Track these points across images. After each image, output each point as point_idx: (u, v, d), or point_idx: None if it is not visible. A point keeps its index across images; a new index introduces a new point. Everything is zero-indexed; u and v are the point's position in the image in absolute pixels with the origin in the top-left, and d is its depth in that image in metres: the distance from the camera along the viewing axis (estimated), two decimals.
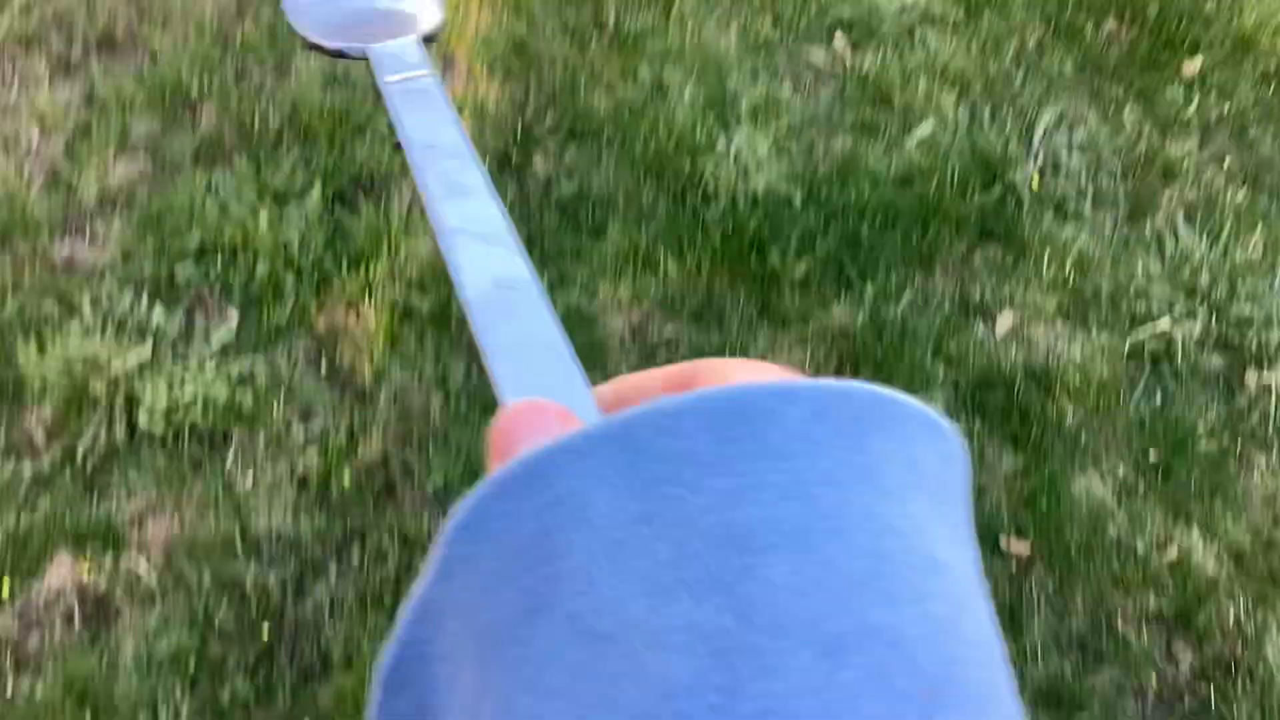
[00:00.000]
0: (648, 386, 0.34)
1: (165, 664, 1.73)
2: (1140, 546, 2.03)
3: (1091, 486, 2.10)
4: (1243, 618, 1.97)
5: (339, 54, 0.60)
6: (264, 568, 1.83)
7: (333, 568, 1.85)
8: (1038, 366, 2.25)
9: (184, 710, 1.69)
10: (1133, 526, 2.06)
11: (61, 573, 1.81)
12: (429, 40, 0.63)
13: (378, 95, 0.55)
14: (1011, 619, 1.91)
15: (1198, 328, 2.36)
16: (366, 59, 0.58)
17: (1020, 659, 1.87)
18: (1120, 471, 2.13)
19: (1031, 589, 1.95)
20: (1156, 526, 2.06)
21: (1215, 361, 2.31)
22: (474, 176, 0.48)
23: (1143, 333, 2.34)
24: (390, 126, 0.56)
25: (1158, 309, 2.38)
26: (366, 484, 1.93)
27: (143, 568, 1.81)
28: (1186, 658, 1.92)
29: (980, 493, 2.05)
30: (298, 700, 1.71)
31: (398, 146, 0.53)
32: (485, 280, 0.42)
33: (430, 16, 0.62)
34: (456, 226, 0.45)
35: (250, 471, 1.94)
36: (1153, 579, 1.99)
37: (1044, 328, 2.33)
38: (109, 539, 1.83)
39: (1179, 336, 2.33)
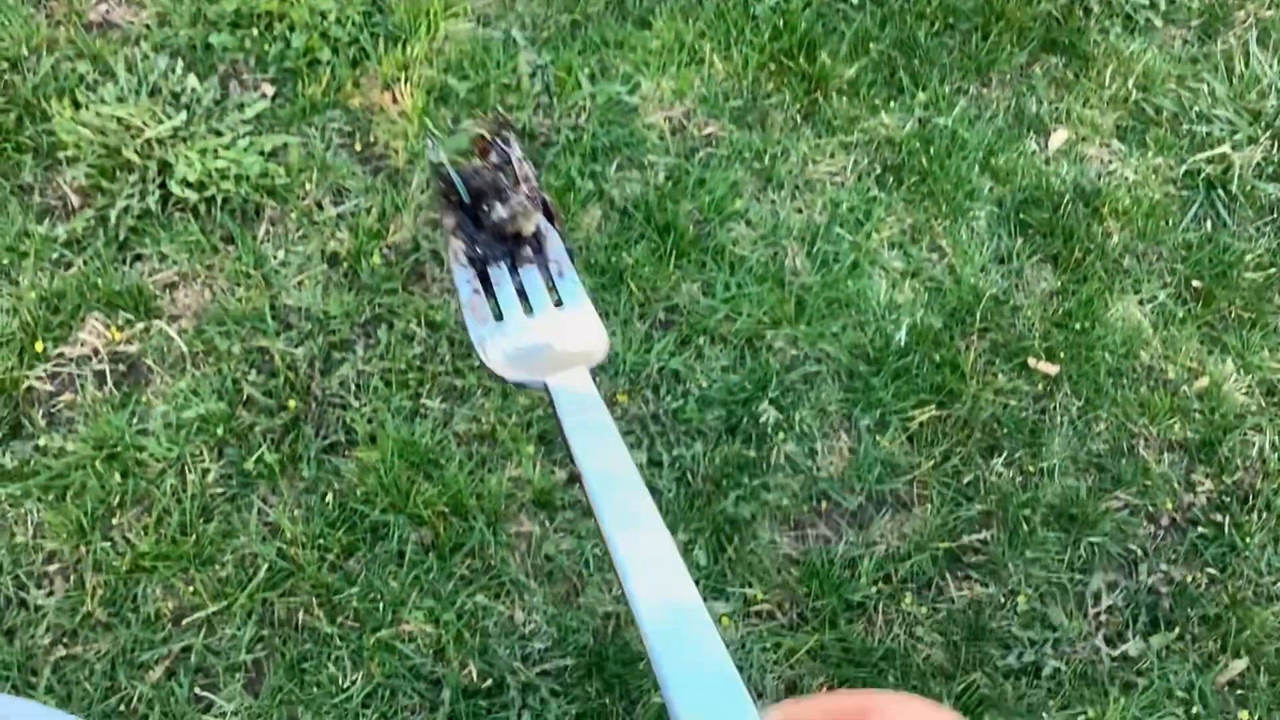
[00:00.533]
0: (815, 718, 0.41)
1: (193, 429, 1.76)
2: (1171, 373, 2.01)
3: (1129, 311, 2.07)
4: (1267, 450, 1.95)
5: (520, 385, 0.69)
6: (292, 342, 1.85)
7: (360, 346, 1.86)
8: (1088, 186, 2.19)
9: (211, 474, 1.74)
10: (1166, 353, 2.03)
11: (93, 335, 1.83)
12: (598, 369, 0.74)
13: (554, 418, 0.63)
14: (1032, 436, 1.91)
15: (1258, 154, 2.28)
16: (546, 390, 0.66)
17: (1037, 477, 1.88)
18: (1160, 297, 2.09)
19: (1055, 409, 1.94)
20: (1190, 354, 2.03)
21: (1271, 190, 2.24)
22: (644, 506, 0.55)
23: (1200, 156, 2.26)
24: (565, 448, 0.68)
25: (1219, 133, 2.29)
26: (396, 265, 1.93)
27: (174, 333, 1.84)
28: (1205, 486, 1.92)
29: (1014, 311, 2.02)
30: (322, 470, 1.75)
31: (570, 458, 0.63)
32: (660, 609, 0.49)
33: (599, 349, 0.71)
34: (631, 556, 0.52)
35: (281, 246, 1.94)
36: (1180, 407, 1.97)
37: (1098, 146, 2.26)
38: (140, 304, 1.85)
39: (1237, 162, 2.25)
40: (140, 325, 1.85)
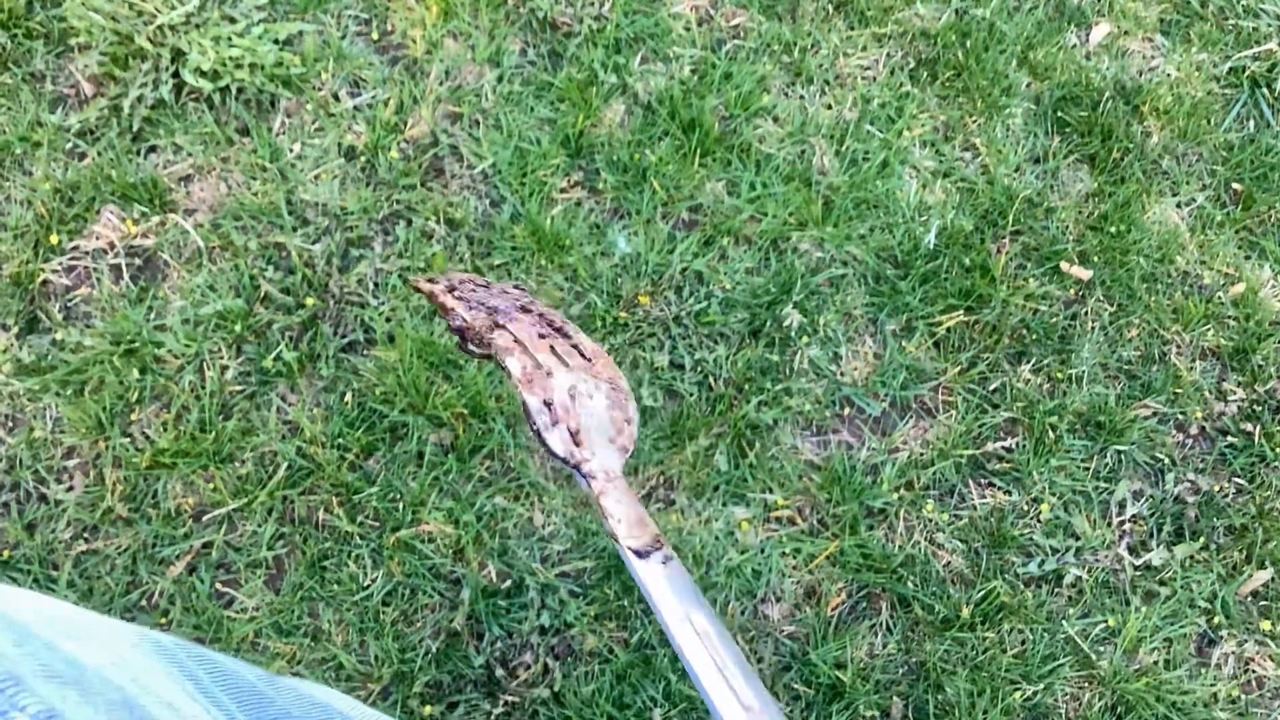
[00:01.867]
0: None
1: (211, 325, 1.75)
2: (1207, 279, 1.96)
3: (1166, 214, 2.01)
4: None
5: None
6: (310, 238, 1.82)
7: (378, 243, 1.83)
8: (1128, 83, 2.11)
9: (229, 372, 1.72)
10: (1202, 258, 1.98)
11: (108, 228, 1.80)
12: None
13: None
14: (1062, 343, 1.87)
15: None
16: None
17: (1065, 384, 1.84)
18: (1198, 200, 2.03)
19: (1087, 315, 1.90)
20: (1227, 260, 1.98)
21: None
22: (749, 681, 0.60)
23: (1245, 54, 2.17)
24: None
25: (1266, 28, 2.21)
26: (415, 161, 1.89)
27: (189, 227, 1.81)
28: (1236, 395, 1.88)
29: (1048, 213, 1.97)
30: (340, 369, 1.74)
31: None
32: None
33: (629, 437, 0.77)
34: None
35: (297, 139, 1.89)
36: (1214, 314, 1.93)
37: (1141, 41, 2.18)
38: (155, 197, 1.82)
39: None
40: (156, 219, 1.82)
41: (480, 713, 1.56)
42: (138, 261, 1.80)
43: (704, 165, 1.92)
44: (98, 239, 1.80)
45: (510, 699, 1.57)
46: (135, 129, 1.87)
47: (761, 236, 1.87)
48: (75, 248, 1.79)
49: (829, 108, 2.02)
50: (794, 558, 1.69)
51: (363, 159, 1.89)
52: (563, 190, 1.89)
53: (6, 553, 1.61)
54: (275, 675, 0.67)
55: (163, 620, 1.59)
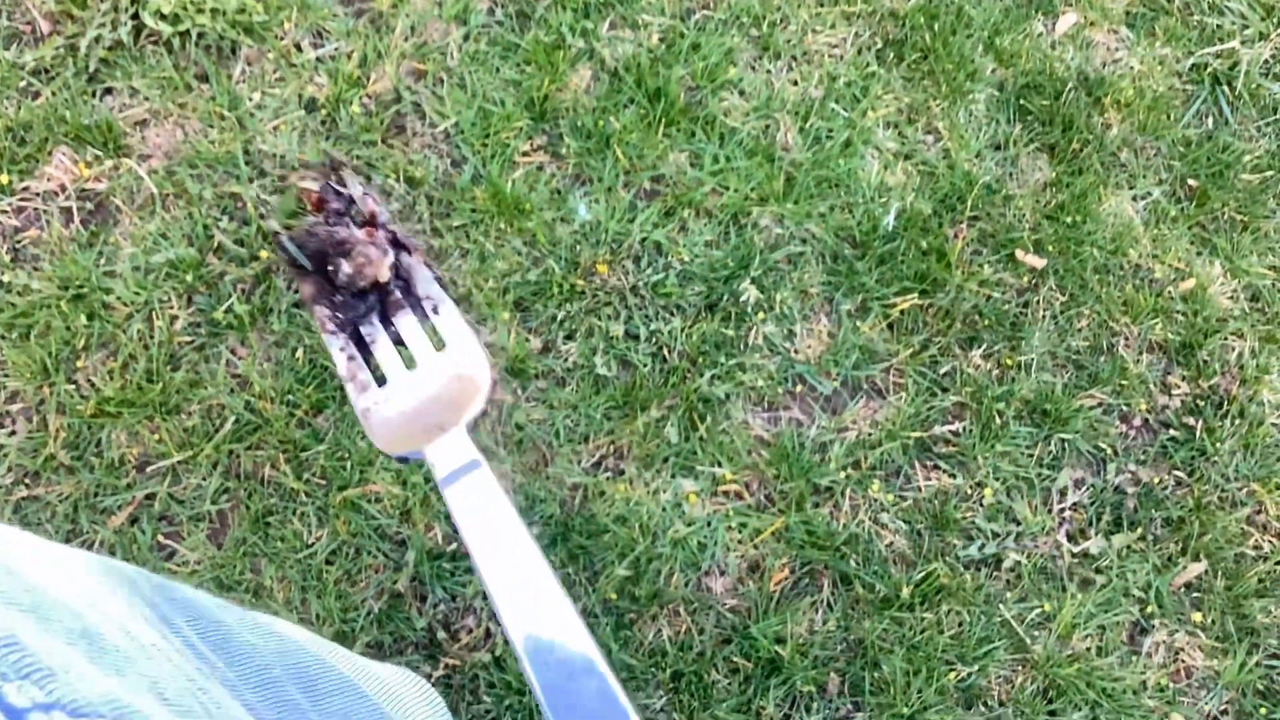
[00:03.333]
0: None
1: (162, 274, 1.72)
2: (1158, 273, 1.99)
3: (1121, 207, 2.03)
4: (1246, 356, 1.95)
5: (403, 460, 0.67)
6: (266, 190, 1.80)
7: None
8: (1092, 74, 2.13)
9: (179, 322, 1.70)
10: (1155, 252, 2.00)
11: (60, 170, 1.77)
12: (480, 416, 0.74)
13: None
14: (1013, 330, 1.89)
15: (1267, 51, 2.22)
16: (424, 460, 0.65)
17: (1014, 370, 1.87)
18: (1154, 194, 2.05)
19: (1039, 303, 1.92)
20: (1179, 255, 2.01)
21: (1276, 90, 2.19)
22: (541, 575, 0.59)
23: (1208, 51, 2.19)
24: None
25: (1230, 25, 2.23)
26: (376, 116, 1.87)
27: (143, 173, 1.78)
28: (1181, 389, 1.91)
29: (1006, 200, 1.98)
30: (293, 325, 1.72)
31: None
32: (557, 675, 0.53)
33: (482, 386, 0.69)
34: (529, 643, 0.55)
35: (257, 88, 1.87)
36: (1163, 308, 1.96)
37: (1106, 32, 2.19)
38: (110, 141, 1.79)
39: (1245, 59, 2.19)
40: (109, 163, 1.79)
41: (420, 674, 1.56)
42: (89, 205, 1.77)
43: (668, 135, 1.91)
44: (49, 180, 1.77)
45: (451, 661, 1.57)
46: (91, 70, 1.83)
47: (722, 210, 1.87)
48: (26, 188, 1.76)
49: (795, 84, 2.01)
50: (739, 532, 1.70)
51: (324, 112, 1.86)
52: (525, 154, 1.88)
53: None
54: (235, 606, 0.67)
55: None
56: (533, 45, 1.94)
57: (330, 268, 0.72)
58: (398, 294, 0.73)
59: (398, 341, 0.72)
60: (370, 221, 0.74)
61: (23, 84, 1.81)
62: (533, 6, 1.98)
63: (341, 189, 0.75)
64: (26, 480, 1.61)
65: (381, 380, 0.70)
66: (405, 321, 0.73)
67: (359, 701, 0.74)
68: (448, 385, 0.69)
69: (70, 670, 0.37)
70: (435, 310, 0.73)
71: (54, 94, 1.81)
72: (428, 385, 0.69)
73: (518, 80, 1.92)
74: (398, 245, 0.74)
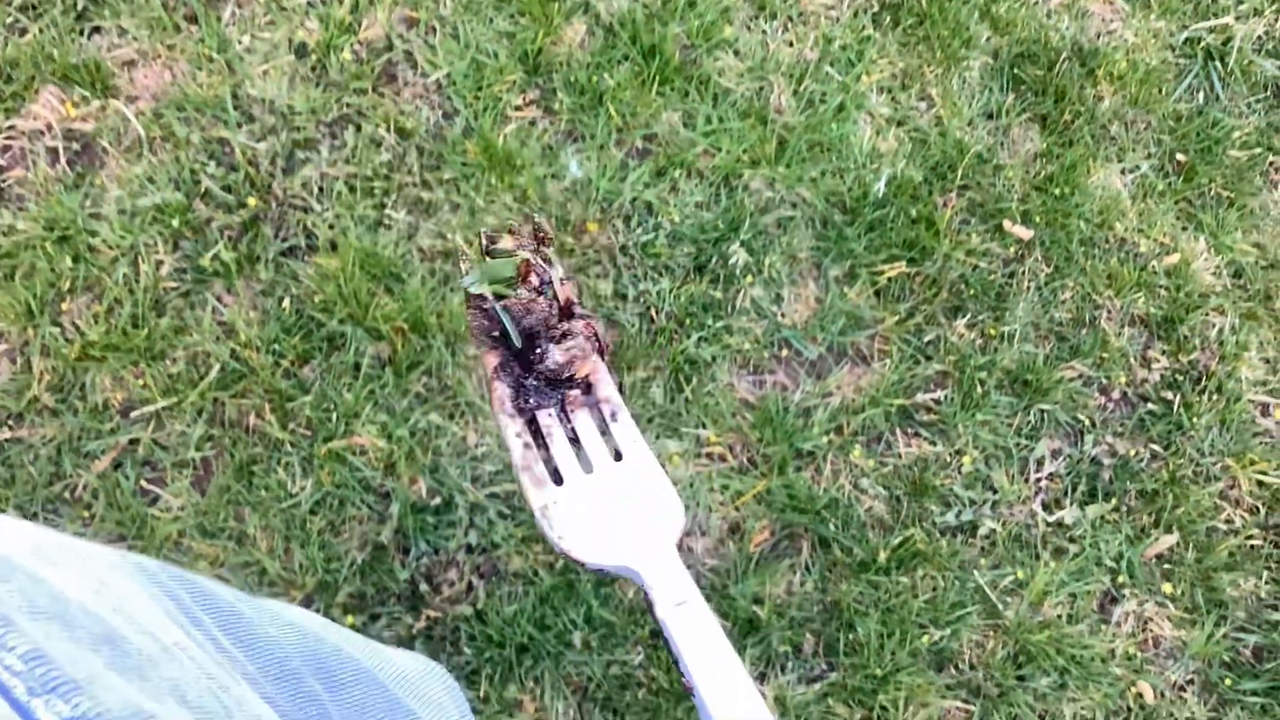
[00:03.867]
0: None
1: (148, 218, 1.71)
2: (1143, 247, 2.00)
3: (1110, 180, 2.04)
4: (1227, 333, 1.97)
5: (601, 571, 0.64)
6: (254, 136, 1.78)
7: (324, 147, 1.79)
8: (1086, 45, 2.13)
9: (165, 267, 1.69)
10: (1140, 226, 2.02)
11: (46, 109, 1.75)
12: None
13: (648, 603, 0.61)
14: (998, 300, 1.90)
15: (1260, 27, 2.22)
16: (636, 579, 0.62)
17: (997, 340, 1.88)
18: (1142, 168, 2.06)
19: (1024, 274, 1.93)
20: (1164, 229, 2.02)
21: (1268, 67, 2.19)
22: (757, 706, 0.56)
23: (1202, 25, 2.20)
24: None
25: (1225, 1, 2.23)
26: (367, 64, 1.85)
27: (131, 115, 1.76)
28: (1160, 363, 1.93)
29: (996, 170, 1.99)
30: (280, 274, 1.71)
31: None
32: None
33: (676, 515, 0.65)
34: None
35: (247, 31, 1.84)
36: (1147, 282, 1.97)
37: (1102, 3, 2.19)
38: (97, 81, 1.77)
39: (1239, 34, 2.19)
40: (96, 103, 1.76)
41: (402, 625, 1.58)
42: (75, 146, 1.75)
43: (662, 94, 1.90)
44: (35, 119, 1.74)
45: (433, 614, 1.59)
46: (80, 8, 1.80)
47: (714, 172, 1.87)
48: (12, 127, 1.74)
49: (790, 45, 2.00)
50: (722, 494, 1.71)
51: (314, 58, 1.84)
52: (518, 108, 1.87)
53: None
54: (251, 596, 0.68)
55: (85, 514, 1.58)
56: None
57: (538, 349, 0.70)
58: (578, 391, 0.70)
59: (573, 441, 0.69)
60: (567, 309, 0.71)
61: (10, 20, 1.79)
62: None
63: (547, 266, 0.72)
64: (10, 422, 1.61)
65: (557, 477, 0.67)
66: (583, 422, 0.69)
67: (375, 689, 0.74)
68: (636, 499, 0.65)
69: (95, 681, 0.38)
70: (614, 417, 0.70)
71: (41, 31, 1.78)
72: (609, 494, 0.66)
73: (511, 32, 1.90)
74: (599, 344, 0.72)
